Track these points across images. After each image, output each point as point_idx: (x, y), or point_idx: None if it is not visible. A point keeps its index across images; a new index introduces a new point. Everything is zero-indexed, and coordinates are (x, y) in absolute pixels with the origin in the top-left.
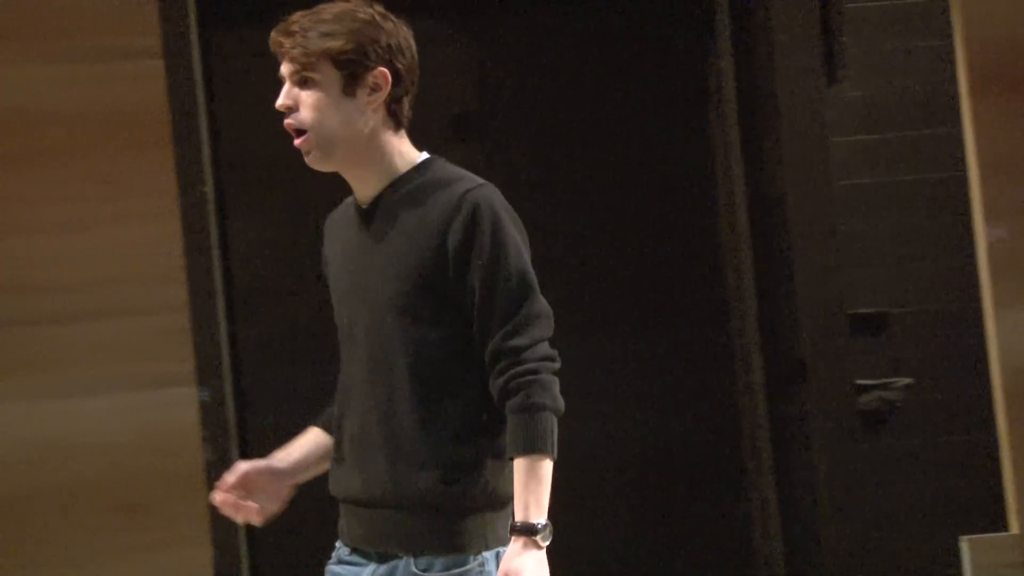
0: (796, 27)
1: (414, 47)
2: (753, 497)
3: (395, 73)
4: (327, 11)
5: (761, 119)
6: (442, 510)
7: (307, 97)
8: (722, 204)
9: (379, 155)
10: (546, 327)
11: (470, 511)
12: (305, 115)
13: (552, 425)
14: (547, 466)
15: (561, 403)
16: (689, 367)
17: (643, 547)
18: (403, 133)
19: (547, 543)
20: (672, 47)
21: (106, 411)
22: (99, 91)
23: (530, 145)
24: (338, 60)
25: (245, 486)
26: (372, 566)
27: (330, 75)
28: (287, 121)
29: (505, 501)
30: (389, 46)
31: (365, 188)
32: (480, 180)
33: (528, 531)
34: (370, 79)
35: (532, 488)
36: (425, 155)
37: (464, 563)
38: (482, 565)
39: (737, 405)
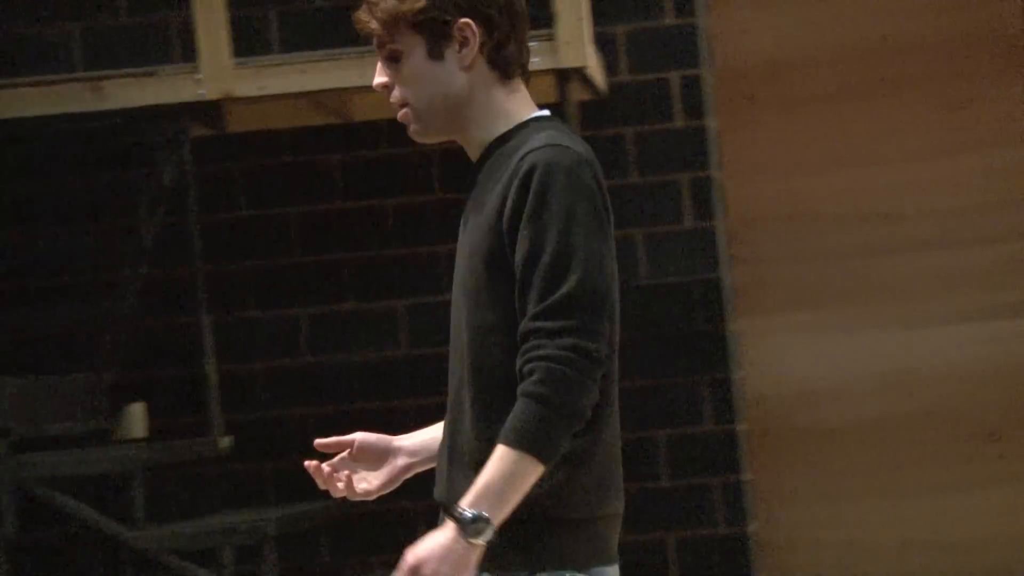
0: None
1: None
2: None
3: (485, 20)
4: None
5: None
6: None
7: (397, 72)
8: None
9: (482, 115)
10: (590, 316)
11: (514, 523)
12: (400, 91)
13: (549, 422)
14: (524, 463)
15: (576, 406)
16: None
17: None
18: (518, 84)
19: (477, 541)
20: None
21: (956, 340)
22: (956, 17)
23: None
24: (414, 23)
25: (352, 454)
26: None
27: (411, 41)
28: (391, 100)
29: (575, 518)
30: None
31: (471, 152)
32: (556, 141)
33: (454, 515)
34: (456, 35)
35: (492, 477)
36: (535, 112)
37: None
38: None
39: None
